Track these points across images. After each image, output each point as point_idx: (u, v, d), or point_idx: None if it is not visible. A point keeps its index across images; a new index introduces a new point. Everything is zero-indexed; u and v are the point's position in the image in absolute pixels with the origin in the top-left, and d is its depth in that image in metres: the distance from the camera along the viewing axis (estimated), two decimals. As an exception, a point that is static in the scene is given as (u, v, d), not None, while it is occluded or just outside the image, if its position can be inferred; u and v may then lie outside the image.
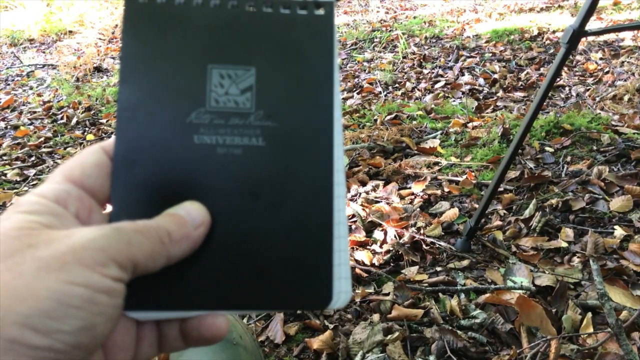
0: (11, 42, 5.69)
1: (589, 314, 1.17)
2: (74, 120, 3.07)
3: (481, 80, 3.04)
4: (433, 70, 3.34)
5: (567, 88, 2.79)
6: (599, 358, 1.06)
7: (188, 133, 0.35)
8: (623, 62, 2.98)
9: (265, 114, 0.36)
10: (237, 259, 0.34)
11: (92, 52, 4.64)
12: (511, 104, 2.66)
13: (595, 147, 1.94)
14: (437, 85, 3.07)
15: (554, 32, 3.69)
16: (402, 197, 1.79)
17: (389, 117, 2.53)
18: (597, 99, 2.55)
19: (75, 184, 0.33)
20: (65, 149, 2.70)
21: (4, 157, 2.61)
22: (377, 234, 1.59)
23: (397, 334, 1.17)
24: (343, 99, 3.03)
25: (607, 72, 2.88)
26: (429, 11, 5.16)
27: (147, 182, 0.34)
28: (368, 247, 1.54)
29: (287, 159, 0.36)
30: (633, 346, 1.03)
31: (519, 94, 2.79)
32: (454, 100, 2.82)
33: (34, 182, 2.32)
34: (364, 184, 1.92)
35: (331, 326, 1.23)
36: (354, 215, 1.67)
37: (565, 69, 2.99)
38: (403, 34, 4.04)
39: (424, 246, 1.50)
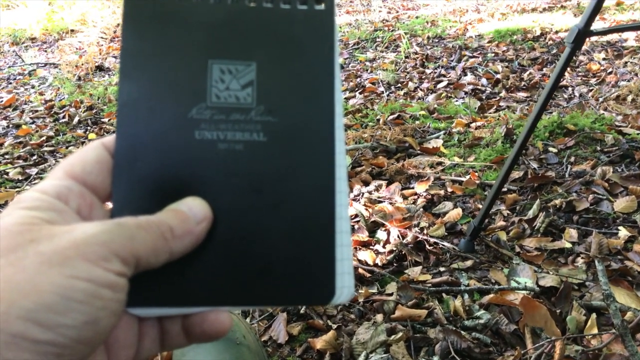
0: (13, 40, 5.69)
1: (594, 315, 1.16)
2: (76, 119, 3.06)
3: (484, 81, 3.03)
4: (435, 70, 3.33)
5: (570, 88, 2.79)
6: (604, 359, 1.05)
7: (189, 128, 0.35)
8: (626, 62, 2.98)
9: (266, 109, 0.36)
10: (239, 255, 0.34)
11: (94, 51, 4.64)
12: (514, 104, 2.65)
13: (599, 148, 1.93)
14: (440, 85, 3.06)
15: (556, 32, 3.68)
16: (405, 197, 1.79)
17: (391, 117, 2.52)
18: (601, 99, 2.54)
19: (76, 180, 0.33)
20: (67, 147, 2.70)
21: (6, 156, 2.61)
22: (380, 234, 1.58)
23: (400, 334, 1.16)
24: (345, 98, 3.02)
25: (611, 73, 2.88)
26: (431, 11, 5.15)
27: (148, 178, 0.34)
28: (371, 247, 1.53)
29: (289, 154, 0.35)
30: (638, 347, 1.02)
31: (521, 94, 2.79)
32: (456, 100, 2.81)
33: (36, 181, 2.32)
34: (366, 183, 1.91)
35: (334, 326, 1.23)
36: (357, 215, 1.67)
37: (569, 69, 2.98)
38: (405, 33, 4.03)
39: (427, 246, 1.49)
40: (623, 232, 1.43)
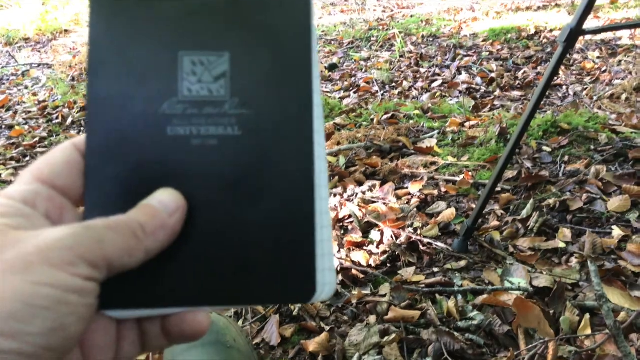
0: (6, 41, 5.66)
1: (587, 315, 1.16)
2: (69, 120, 3.05)
3: (478, 79, 3.03)
4: (430, 69, 3.33)
5: (564, 87, 2.79)
6: (597, 360, 1.05)
7: (161, 125, 0.33)
8: (620, 60, 2.98)
9: (241, 101, 0.34)
10: (216, 253, 0.33)
11: (88, 51, 4.61)
12: (508, 103, 2.65)
13: (592, 147, 1.93)
14: (434, 84, 3.06)
15: (551, 30, 3.68)
16: (399, 197, 1.78)
17: (385, 117, 2.51)
18: (595, 98, 2.54)
19: (44, 183, 0.32)
20: (60, 148, 2.69)
21: (-2, 157, 2.59)
22: (374, 235, 1.58)
23: (393, 335, 1.16)
24: (340, 98, 3.01)
25: (605, 71, 2.88)
26: (426, 10, 5.15)
27: (120, 177, 0.33)
28: (365, 247, 1.53)
29: (265, 148, 0.34)
30: (632, 348, 1.02)
31: (516, 93, 2.79)
32: (451, 100, 2.81)
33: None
34: (360, 183, 1.91)
35: (327, 328, 1.22)
36: (350, 216, 1.66)
37: (563, 67, 2.98)
38: (400, 32, 4.03)
39: (420, 247, 1.49)
40: (617, 232, 1.43)
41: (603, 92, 2.58)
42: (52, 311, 0.26)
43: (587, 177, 1.70)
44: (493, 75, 3.02)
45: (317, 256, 0.34)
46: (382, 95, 2.99)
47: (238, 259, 0.33)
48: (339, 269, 1.42)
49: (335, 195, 1.83)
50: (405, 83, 3.12)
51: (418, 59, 3.53)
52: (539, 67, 3.11)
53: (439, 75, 3.22)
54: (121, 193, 0.33)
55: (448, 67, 3.32)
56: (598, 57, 3.10)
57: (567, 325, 1.15)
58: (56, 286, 0.26)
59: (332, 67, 3.59)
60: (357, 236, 1.57)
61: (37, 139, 2.81)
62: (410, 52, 3.70)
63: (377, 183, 1.88)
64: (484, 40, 3.72)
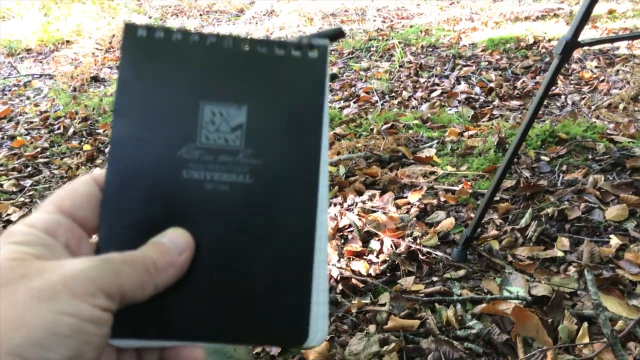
0: (8, 52, 5.70)
1: (585, 324, 1.17)
2: (71, 130, 3.07)
3: (477, 89, 3.05)
4: (429, 79, 3.35)
5: (562, 96, 2.81)
6: (595, 368, 1.05)
7: (177, 168, 0.36)
8: (618, 70, 3.00)
9: (254, 152, 0.37)
10: (218, 293, 0.35)
11: (89, 62, 4.65)
12: (507, 113, 2.67)
13: (590, 156, 1.94)
14: (434, 94, 3.08)
15: (549, 40, 3.71)
16: (398, 207, 1.80)
17: (385, 126, 2.53)
18: (593, 107, 2.56)
19: (65, 214, 0.34)
20: (61, 159, 2.70)
21: (1, 168, 2.61)
22: (374, 244, 1.59)
23: (393, 344, 1.17)
24: (340, 108, 3.03)
25: (603, 81, 2.90)
26: (425, 20, 5.18)
27: (134, 213, 0.35)
28: (364, 257, 1.54)
29: (273, 198, 0.36)
30: (629, 356, 1.03)
31: (515, 103, 2.80)
32: (450, 109, 2.82)
33: (30, 193, 2.32)
34: (360, 193, 1.92)
35: (327, 337, 1.23)
36: (350, 225, 1.67)
37: (561, 77, 3.00)
38: (399, 42, 4.06)
39: (420, 256, 1.50)
40: (614, 241, 1.44)
41: (601, 101, 2.60)
42: (72, 339, 0.28)
43: (585, 186, 1.71)
44: (492, 84, 3.04)
45: (312, 304, 0.36)
46: (382, 105, 3.01)
47: (237, 300, 0.35)
48: (339, 278, 1.43)
49: (335, 205, 1.84)
50: (404, 93, 3.14)
51: (417, 69, 3.55)
52: (537, 77, 3.13)
53: (438, 85, 3.24)
54: (134, 228, 0.35)
55: (447, 77, 3.35)
56: (596, 67, 3.12)
57: (565, 333, 1.16)
58: (78, 316, 0.28)
59: (333, 78, 3.61)
60: (357, 245, 1.58)
61: (38, 149, 2.82)
62: (410, 62, 3.72)
63: (377, 192, 1.89)
64: (482, 50, 3.75)
